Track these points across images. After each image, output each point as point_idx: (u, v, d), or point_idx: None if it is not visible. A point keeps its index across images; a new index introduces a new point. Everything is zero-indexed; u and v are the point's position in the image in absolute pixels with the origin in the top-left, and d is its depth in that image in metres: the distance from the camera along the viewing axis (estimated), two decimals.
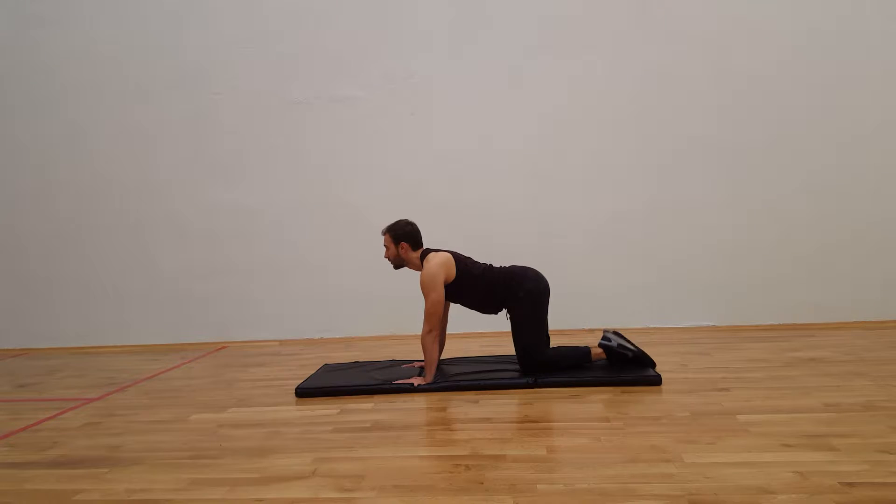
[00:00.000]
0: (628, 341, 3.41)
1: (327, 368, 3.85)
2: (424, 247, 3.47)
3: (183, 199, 5.25)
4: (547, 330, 3.44)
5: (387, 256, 3.48)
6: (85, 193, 5.34)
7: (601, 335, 3.49)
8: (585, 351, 3.43)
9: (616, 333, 3.46)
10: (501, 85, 4.86)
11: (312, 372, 3.82)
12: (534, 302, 3.36)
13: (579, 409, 2.85)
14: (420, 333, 3.35)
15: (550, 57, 4.80)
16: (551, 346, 3.51)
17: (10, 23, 5.32)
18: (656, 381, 3.18)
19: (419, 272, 3.39)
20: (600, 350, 3.44)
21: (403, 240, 3.40)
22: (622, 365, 3.40)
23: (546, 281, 3.42)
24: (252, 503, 2.05)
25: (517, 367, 3.50)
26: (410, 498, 2.00)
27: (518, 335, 3.38)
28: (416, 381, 3.33)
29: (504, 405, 2.98)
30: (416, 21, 4.92)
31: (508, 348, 4.09)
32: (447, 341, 4.02)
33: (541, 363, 3.34)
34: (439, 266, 3.31)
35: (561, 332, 4.56)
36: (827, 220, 4.59)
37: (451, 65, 4.91)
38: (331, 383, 3.42)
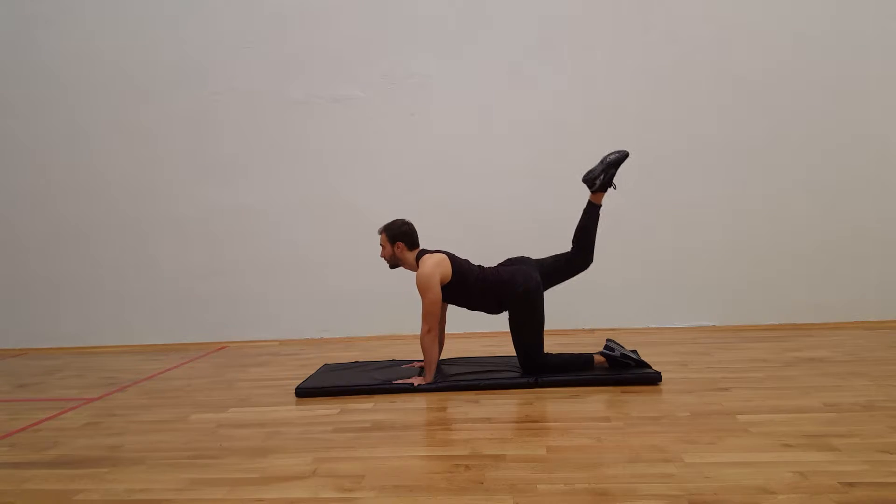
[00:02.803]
0: (628, 351, 3.41)
1: (327, 368, 3.85)
2: (421, 247, 3.47)
3: (183, 199, 5.25)
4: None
5: (382, 256, 3.47)
6: (85, 193, 5.34)
7: (604, 343, 3.47)
8: (588, 358, 3.41)
9: (615, 343, 3.46)
10: (501, 85, 4.86)
11: (312, 372, 3.82)
12: (528, 303, 3.35)
13: (579, 409, 2.85)
14: (419, 334, 3.35)
15: (550, 57, 4.81)
16: (554, 351, 3.50)
17: (10, 23, 5.32)
18: (656, 378, 3.18)
19: (415, 273, 3.39)
20: (602, 359, 3.42)
21: (399, 239, 3.40)
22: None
23: (537, 278, 3.37)
24: (252, 503, 2.05)
25: (517, 367, 3.49)
26: (410, 498, 2.00)
27: (517, 337, 3.38)
28: (416, 381, 3.33)
29: (504, 405, 2.98)
30: (416, 21, 4.92)
31: (508, 348, 4.09)
32: (447, 341, 4.02)
33: (542, 365, 3.34)
34: (434, 266, 3.31)
35: (561, 332, 4.57)
36: (827, 219, 4.59)
37: (451, 65, 4.91)
38: (331, 383, 3.42)
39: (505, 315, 3.48)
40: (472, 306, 3.50)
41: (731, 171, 4.67)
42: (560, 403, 2.96)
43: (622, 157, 3.38)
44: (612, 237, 4.80)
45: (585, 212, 3.52)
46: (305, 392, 3.36)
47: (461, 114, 4.92)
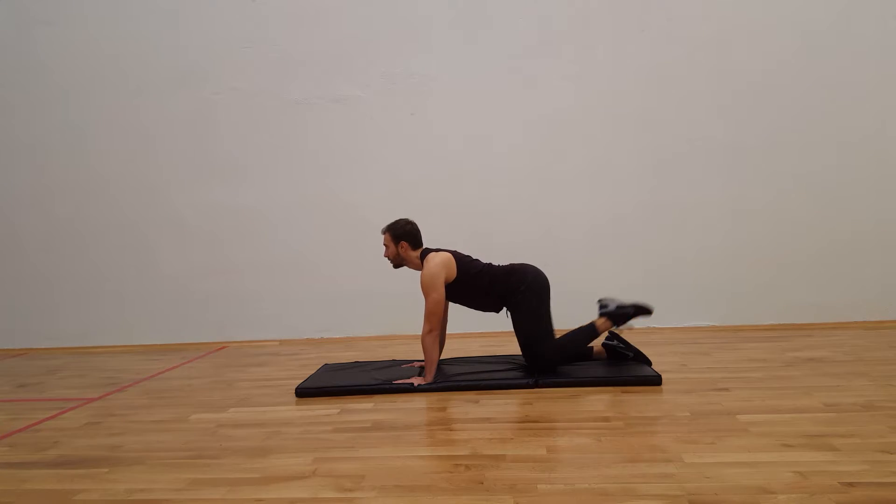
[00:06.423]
0: (626, 344, 3.46)
1: (327, 368, 3.85)
2: (424, 246, 3.48)
3: (183, 199, 5.25)
4: (551, 324, 3.41)
5: (386, 255, 3.48)
6: (85, 193, 5.34)
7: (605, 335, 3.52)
8: (591, 329, 3.39)
9: (615, 336, 3.50)
10: (501, 85, 4.86)
11: (312, 372, 3.82)
12: (535, 295, 3.35)
13: (579, 409, 2.85)
14: (420, 333, 3.35)
15: (550, 57, 4.81)
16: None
17: (10, 23, 5.32)
18: (656, 380, 3.18)
19: (419, 272, 3.39)
20: (601, 349, 3.47)
21: (403, 239, 3.41)
22: (622, 363, 3.45)
23: (545, 276, 3.43)
24: (252, 503, 2.05)
25: (517, 366, 3.50)
26: (410, 498, 2.00)
27: (521, 329, 3.37)
28: (416, 381, 3.33)
29: (504, 405, 2.98)
30: (416, 21, 4.92)
31: (508, 348, 4.10)
32: (447, 341, 4.02)
33: (546, 356, 3.33)
34: (440, 266, 3.31)
35: (561, 332, 4.55)
36: (827, 220, 4.59)
37: (451, 65, 4.91)
38: (331, 383, 3.42)
39: (502, 315, 3.49)
40: (474, 304, 3.50)
41: (731, 172, 4.67)
42: (560, 403, 2.96)
43: (644, 310, 3.36)
44: (612, 237, 4.83)
45: (581, 328, 3.47)
46: (305, 392, 3.36)
47: (461, 114, 4.92)
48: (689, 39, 4.66)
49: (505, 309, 3.46)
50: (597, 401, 2.97)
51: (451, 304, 3.61)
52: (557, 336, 3.42)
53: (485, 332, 4.76)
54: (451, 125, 4.93)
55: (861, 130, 4.53)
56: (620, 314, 3.39)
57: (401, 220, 3.46)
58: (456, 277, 3.35)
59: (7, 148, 5.40)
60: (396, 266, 3.53)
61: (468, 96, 4.90)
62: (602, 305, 3.46)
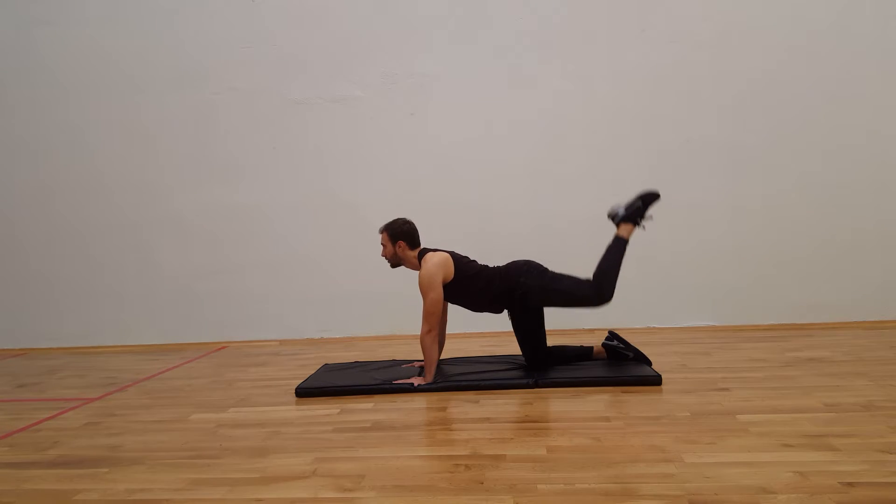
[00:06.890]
0: (626, 343, 3.48)
1: (327, 368, 3.85)
2: (422, 246, 3.47)
3: (183, 199, 5.25)
4: (570, 277, 3.36)
5: (384, 255, 3.48)
6: (85, 193, 5.34)
7: (605, 335, 3.55)
8: (616, 242, 3.40)
9: (615, 336, 3.52)
10: (501, 85, 4.86)
11: (312, 372, 3.82)
12: (534, 276, 3.33)
13: (579, 409, 2.85)
14: (419, 333, 3.35)
15: (550, 57, 4.80)
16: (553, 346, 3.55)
17: (10, 23, 5.32)
18: (656, 380, 3.18)
19: (417, 272, 3.39)
20: (601, 349, 3.50)
21: (400, 238, 3.40)
22: (622, 363, 3.46)
23: (536, 262, 3.42)
24: (252, 503, 2.05)
25: (517, 366, 3.51)
26: (410, 498, 2.00)
27: (532, 328, 3.40)
28: (416, 381, 3.33)
29: (504, 405, 2.98)
30: (416, 21, 4.92)
31: (508, 348, 4.10)
32: (447, 341, 4.02)
33: (595, 294, 3.29)
34: (437, 266, 3.31)
35: (561, 332, 4.56)
36: (826, 219, 4.59)
37: (451, 65, 4.91)
38: (331, 383, 3.42)
39: (502, 315, 3.49)
40: (471, 305, 3.50)
41: (731, 171, 4.67)
42: (560, 403, 2.96)
43: (651, 196, 3.36)
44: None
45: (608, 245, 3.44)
46: (305, 392, 3.36)
47: (461, 114, 4.92)
48: (689, 39, 4.66)
49: (507, 311, 3.46)
50: (597, 401, 2.97)
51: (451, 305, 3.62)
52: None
53: (485, 332, 4.76)
54: (451, 125, 4.93)
55: (861, 130, 4.52)
56: (633, 212, 3.37)
57: (398, 219, 3.45)
58: (454, 278, 3.35)
59: (7, 148, 5.40)
60: (394, 265, 3.53)
61: (468, 96, 4.90)
62: (613, 216, 3.43)
